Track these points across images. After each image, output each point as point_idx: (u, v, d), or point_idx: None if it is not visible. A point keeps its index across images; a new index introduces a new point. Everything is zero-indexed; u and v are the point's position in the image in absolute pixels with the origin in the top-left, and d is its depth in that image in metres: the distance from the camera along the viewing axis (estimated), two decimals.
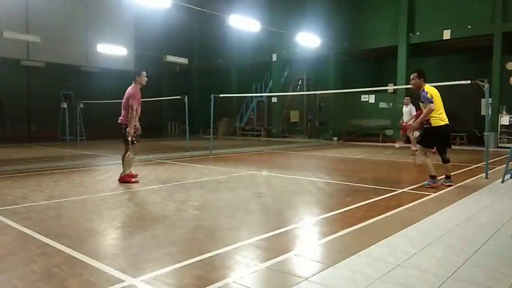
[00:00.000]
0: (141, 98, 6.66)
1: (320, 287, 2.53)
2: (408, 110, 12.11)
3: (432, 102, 5.83)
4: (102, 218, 4.48)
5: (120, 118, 6.56)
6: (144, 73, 6.74)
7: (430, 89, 6.01)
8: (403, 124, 12.29)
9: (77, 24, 21.64)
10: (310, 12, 18.22)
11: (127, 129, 6.38)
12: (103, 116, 16.14)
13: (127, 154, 6.53)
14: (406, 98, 12.41)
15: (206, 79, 24.36)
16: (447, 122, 6.07)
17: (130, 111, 6.37)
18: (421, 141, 6.31)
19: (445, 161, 6.17)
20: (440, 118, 5.99)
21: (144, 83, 6.73)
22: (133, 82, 6.65)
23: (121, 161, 6.82)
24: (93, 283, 2.59)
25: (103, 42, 18.62)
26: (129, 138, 6.40)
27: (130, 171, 6.71)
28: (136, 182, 6.56)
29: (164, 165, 9.08)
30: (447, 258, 3.01)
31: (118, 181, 6.55)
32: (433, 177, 6.06)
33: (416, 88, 6.12)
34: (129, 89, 6.58)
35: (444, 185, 6.13)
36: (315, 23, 17.37)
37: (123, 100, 6.56)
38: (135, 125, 6.52)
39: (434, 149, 10.70)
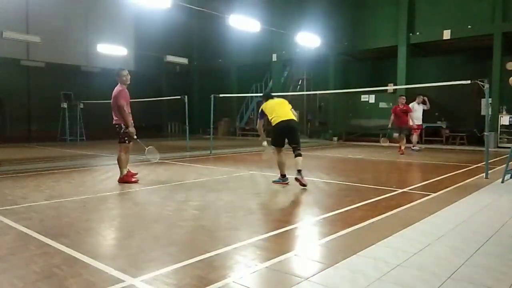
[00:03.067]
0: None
1: (320, 287, 2.53)
2: (422, 108, 12.31)
3: (259, 118, 6.69)
4: (102, 218, 4.49)
5: (114, 119, 6.47)
6: (123, 72, 6.50)
7: (265, 105, 6.57)
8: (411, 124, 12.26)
9: (77, 24, 21.65)
10: (310, 12, 18.21)
11: (129, 129, 6.37)
12: (103, 116, 16.11)
13: (119, 154, 6.48)
14: (419, 97, 12.59)
15: (206, 79, 24.37)
16: (286, 118, 6.30)
17: (121, 111, 6.28)
18: (271, 141, 6.61)
19: (296, 155, 6.23)
20: (276, 117, 6.29)
21: (128, 82, 6.53)
22: (118, 82, 6.52)
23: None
24: (93, 283, 2.59)
25: (103, 42, 18.62)
26: (134, 137, 6.48)
27: (129, 170, 6.69)
28: (136, 181, 6.55)
29: (164, 165, 9.08)
30: (447, 258, 3.01)
31: (118, 181, 6.54)
32: (283, 176, 6.46)
33: None
34: (116, 90, 6.43)
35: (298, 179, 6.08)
36: (315, 23, 17.37)
37: (112, 101, 6.44)
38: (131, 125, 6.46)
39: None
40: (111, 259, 3.08)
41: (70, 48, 21.06)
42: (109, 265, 2.88)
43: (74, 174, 7.67)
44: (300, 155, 6.23)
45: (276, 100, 6.69)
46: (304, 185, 5.97)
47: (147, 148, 7.30)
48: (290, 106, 6.60)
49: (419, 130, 12.37)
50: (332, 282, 2.59)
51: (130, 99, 6.59)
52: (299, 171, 6.04)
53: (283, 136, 6.39)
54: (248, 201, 5.22)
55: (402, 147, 11.56)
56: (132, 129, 6.42)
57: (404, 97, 11.97)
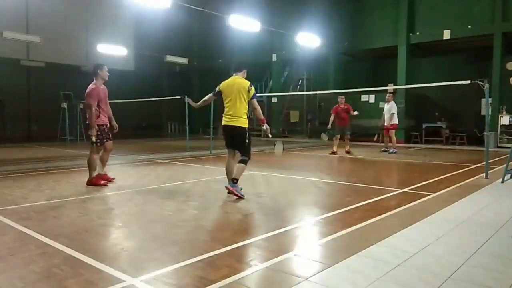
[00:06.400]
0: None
1: (320, 287, 2.53)
2: (389, 108, 11.91)
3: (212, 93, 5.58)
4: (102, 218, 4.48)
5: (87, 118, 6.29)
6: (106, 67, 6.29)
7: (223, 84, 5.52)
8: (385, 125, 12.07)
9: (77, 24, 21.63)
10: (310, 12, 18.21)
11: (89, 131, 6.13)
12: None
13: (89, 155, 6.30)
14: (388, 94, 12.19)
15: (206, 79, 24.35)
16: (225, 123, 5.40)
17: (87, 110, 6.08)
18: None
19: (239, 161, 5.38)
20: (224, 116, 5.47)
21: (107, 78, 6.31)
22: (94, 78, 6.24)
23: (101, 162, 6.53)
24: (93, 283, 2.59)
25: (103, 42, 18.61)
26: (93, 139, 6.12)
27: (102, 173, 6.49)
28: (105, 184, 6.24)
29: (164, 165, 9.08)
30: (447, 258, 3.01)
31: (86, 184, 6.25)
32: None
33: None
34: (88, 88, 6.16)
35: (227, 188, 5.29)
36: (315, 23, 17.37)
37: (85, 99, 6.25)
38: (107, 125, 6.32)
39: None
40: (111, 259, 3.07)
41: (70, 48, 21.02)
42: (109, 265, 2.88)
43: (74, 174, 7.66)
44: (243, 162, 5.34)
45: (225, 82, 5.48)
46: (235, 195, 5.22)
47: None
48: (246, 94, 5.29)
49: (391, 131, 11.88)
50: (332, 282, 2.59)
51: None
52: (234, 180, 5.27)
53: (227, 139, 5.54)
54: (248, 201, 5.22)
55: (335, 148, 11.23)
56: (93, 131, 6.07)
57: (343, 97, 11.47)
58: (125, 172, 8.05)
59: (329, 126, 11.47)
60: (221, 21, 15.23)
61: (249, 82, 5.41)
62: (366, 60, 19.20)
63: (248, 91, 5.31)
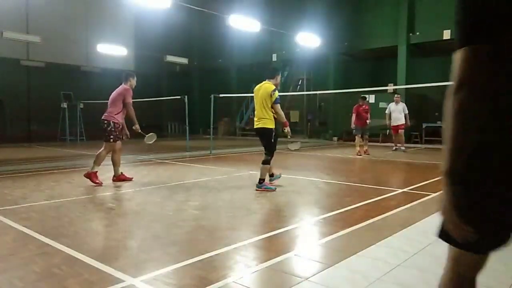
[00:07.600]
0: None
1: (320, 287, 2.53)
2: (401, 108, 12.15)
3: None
4: (102, 218, 4.49)
5: (105, 114, 6.49)
6: (135, 78, 6.80)
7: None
8: (401, 124, 12.31)
9: (77, 24, 21.63)
10: (310, 12, 18.21)
11: (134, 126, 6.63)
12: None
13: (100, 151, 6.42)
14: (397, 95, 12.55)
15: (206, 79, 24.36)
16: (254, 126, 5.93)
17: (128, 109, 6.48)
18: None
19: (261, 162, 5.88)
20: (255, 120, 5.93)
21: (133, 87, 6.75)
22: (123, 83, 6.62)
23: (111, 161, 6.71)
24: (93, 283, 2.59)
25: (103, 42, 18.62)
26: (139, 130, 6.72)
27: (122, 173, 6.71)
28: (100, 184, 6.26)
29: (164, 165, 9.08)
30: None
31: (84, 175, 6.35)
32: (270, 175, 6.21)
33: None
34: (122, 88, 6.54)
35: (257, 190, 5.84)
36: (315, 23, 17.37)
37: (113, 96, 6.51)
38: (120, 124, 6.54)
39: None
40: (111, 259, 3.07)
41: (70, 48, 21.04)
42: (109, 265, 2.88)
43: (74, 174, 7.66)
44: (266, 163, 5.84)
45: (258, 87, 5.88)
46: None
47: (147, 135, 7.37)
48: (269, 99, 5.65)
49: (401, 130, 12.28)
50: (332, 282, 2.59)
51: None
52: (261, 181, 5.85)
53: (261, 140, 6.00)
54: (248, 201, 5.22)
55: (366, 147, 11.39)
56: (137, 126, 6.65)
57: (366, 103, 11.66)
58: (125, 172, 8.02)
59: (353, 125, 11.53)
60: (221, 21, 15.24)
61: (273, 87, 5.69)
62: (366, 60, 19.19)
63: (271, 96, 5.62)
